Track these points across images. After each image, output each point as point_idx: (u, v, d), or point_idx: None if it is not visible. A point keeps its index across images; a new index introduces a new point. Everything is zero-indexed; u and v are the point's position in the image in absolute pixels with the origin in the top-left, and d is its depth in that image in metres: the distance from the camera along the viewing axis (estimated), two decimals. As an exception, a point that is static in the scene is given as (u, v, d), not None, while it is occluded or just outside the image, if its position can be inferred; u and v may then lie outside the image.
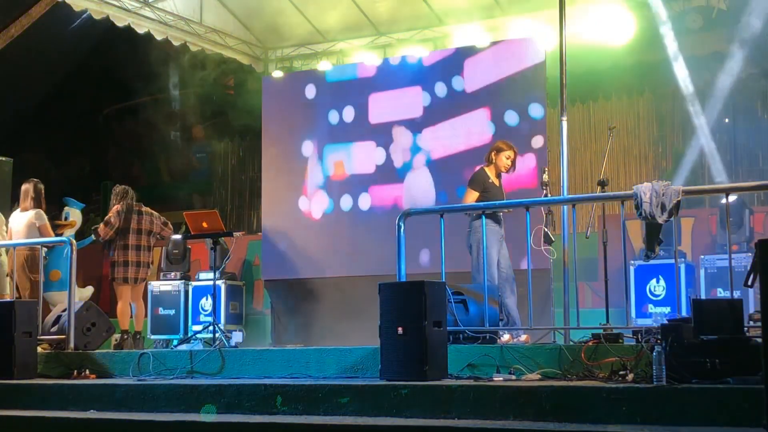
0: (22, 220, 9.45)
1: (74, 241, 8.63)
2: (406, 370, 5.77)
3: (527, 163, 9.78)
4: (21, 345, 7.18)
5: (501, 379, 5.79)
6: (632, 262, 9.46)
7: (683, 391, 4.81)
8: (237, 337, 11.05)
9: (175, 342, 10.40)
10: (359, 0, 11.98)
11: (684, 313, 7.44)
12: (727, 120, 12.09)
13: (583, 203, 8.44)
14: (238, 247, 11.28)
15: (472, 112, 10.42)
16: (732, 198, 9.22)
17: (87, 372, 7.27)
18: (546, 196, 7.66)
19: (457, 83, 10.53)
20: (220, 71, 13.64)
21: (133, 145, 16.83)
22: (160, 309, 11.51)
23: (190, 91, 13.68)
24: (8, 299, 8.90)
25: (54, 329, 8.38)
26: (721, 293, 9.07)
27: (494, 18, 11.68)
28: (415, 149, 10.74)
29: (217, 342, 7.96)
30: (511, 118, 10.13)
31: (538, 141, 9.91)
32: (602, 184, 7.45)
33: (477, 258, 7.63)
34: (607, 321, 6.56)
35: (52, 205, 10.23)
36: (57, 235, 9.77)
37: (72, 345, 7.97)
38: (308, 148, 11.30)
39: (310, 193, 11.27)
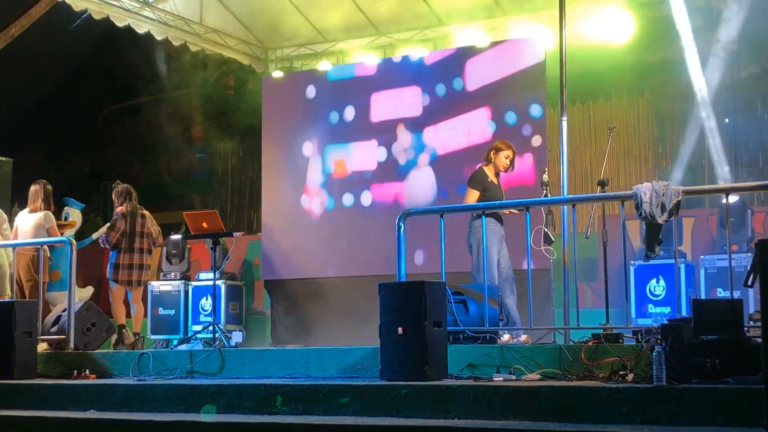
0: (30, 221, 9.47)
1: (74, 241, 8.64)
2: (406, 370, 5.77)
3: (526, 161, 9.79)
4: (21, 345, 7.18)
5: (501, 379, 5.79)
6: (632, 262, 9.46)
7: (683, 391, 4.81)
8: (237, 337, 11.05)
9: (175, 342, 10.40)
10: (359, 0, 11.97)
11: (684, 313, 7.44)
12: (727, 120, 12.09)
13: (583, 203, 8.44)
14: (238, 247, 11.28)
15: (472, 111, 10.41)
16: (734, 199, 9.23)
17: (87, 372, 7.27)
18: (546, 196, 7.67)
19: (458, 83, 10.53)
20: (221, 71, 13.64)
21: (133, 145, 16.84)
22: (160, 309, 11.51)
23: (190, 91, 13.67)
24: (8, 299, 8.91)
25: (54, 329, 8.39)
26: (721, 293, 9.06)
27: (494, 18, 11.68)
28: (416, 148, 10.74)
29: (217, 342, 7.96)
30: (511, 117, 10.13)
31: (537, 140, 9.91)
32: (602, 184, 7.46)
33: (477, 258, 7.63)
34: (607, 321, 6.56)
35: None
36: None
37: (72, 345, 7.98)
38: (308, 147, 11.30)
39: (310, 193, 11.27)
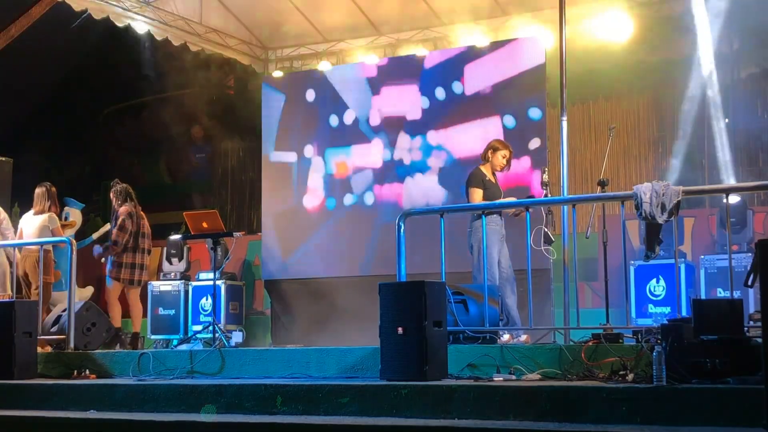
0: (35, 222, 9.50)
1: (74, 241, 8.65)
2: (406, 370, 5.77)
3: (523, 164, 9.81)
4: (21, 345, 7.18)
5: (501, 379, 5.79)
6: (632, 262, 9.46)
7: (683, 391, 4.81)
8: (237, 337, 11.05)
9: (175, 342, 10.41)
10: (359, 0, 11.97)
11: (684, 313, 7.45)
12: (727, 120, 12.08)
13: (583, 203, 8.44)
14: (238, 247, 11.28)
15: (472, 113, 10.42)
16: (736, 199, 9.24)
17: (87, 372, 7.28)
18: (546, 196, 7.67)
19: (457, 85, 10.53)
20: (220, 71, 13.63)
21: (133, 145, 16.81)
22: (160, 309, 11.51)
23: (190, 91, 13.65)
24: (8, 299, 8.92)
25: (54, 329, 8.39)
26: (721, 293, 9.06)
27: (494, 18, 11.67)
28: (416, 150, 10.74)
29: (217, 342, 7.97)
30: (511, 119, 10.14)
31: (536, 142, 9.92)
32: (602, 184, 7.46)
33: (478, 257, 7.64)
34: (607, 321, 6.56)
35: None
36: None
37: (72, 345, 7.98)
38: (308, 148, 11.30)
39: (310, 193, 11.27)
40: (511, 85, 10.20)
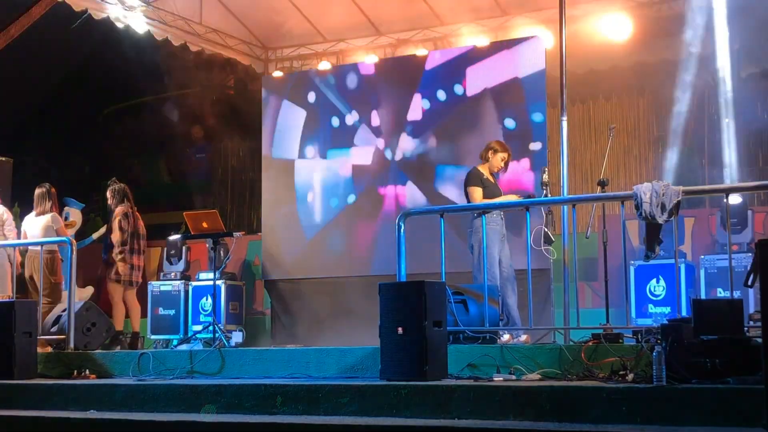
0: (39, 223, 9.51)
1: (74, 241, 8.65)
2: (406, 370, 5.77)
3: (523, 165, 9.81)
4: (21, 345, 7.18)
5: (501, 379, 5.79)
6: (632, 262, 9.46)
7: (683, 391, 4.81)
8: (237, 337, 11.05)
9: (175, 342, 10.40)
10: (359, 0, 11.97)
11: (684, 313, 7.45)
12: (727, 120, 12.07)
13: (583, 203, 8.45)
14: (238, 247, 11.28)
15: (473, 114, 10.42)
16: (738, 200, 9.24)
17: (87, 372, 7.27)
18: (546, 196, 7.67)
19: (458, 86, 10.53)
20: (221, 71, 13.63)
21: (133, 145, 16.80)
22: (160, 309, 11.51)
23: (190, 91, 13.66)
24: (8, 299, 8.92)
25: (54, 329, 8.39)
26: (721, 293, 9.06)
27: (494, 18, 11.67)
28: (417, 150, 10.75)
29: (217, 342, 7.97)
30: (511, 121, 10.13)
31: (536, 145, 9.92)
32: (602, 184, 7.46)
33: (478, 257, 7.64)
34: (607, 321, 6.57)
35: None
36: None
37: (72, 345, 7.98)
38: (309, 148, 11.30)
39: (310, 193, 11.27)
40: (512, 86, 10.20)
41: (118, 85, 16.09)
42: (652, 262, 7.75)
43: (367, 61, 11.89)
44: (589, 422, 4.84)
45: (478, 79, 10.43)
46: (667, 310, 9.27)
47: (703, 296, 9.18)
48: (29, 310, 7.45)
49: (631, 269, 9.46)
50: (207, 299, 11.20)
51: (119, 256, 9.51)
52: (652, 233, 6.47)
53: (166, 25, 11.95)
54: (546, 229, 7.53)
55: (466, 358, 6.14)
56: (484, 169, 8.20)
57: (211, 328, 8.31)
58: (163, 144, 15.91)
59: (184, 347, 8.70)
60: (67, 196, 11.41)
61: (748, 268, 4.97)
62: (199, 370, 6.94)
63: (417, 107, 10.75)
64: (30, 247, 9.39)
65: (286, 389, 5.80)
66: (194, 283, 11.53)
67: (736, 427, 4.56)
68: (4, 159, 11.12)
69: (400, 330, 5.86)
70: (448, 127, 10.56)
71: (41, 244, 8.95)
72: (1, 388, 6.83)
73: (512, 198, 8.00)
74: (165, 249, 11.92)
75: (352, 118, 11.12)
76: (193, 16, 12.17)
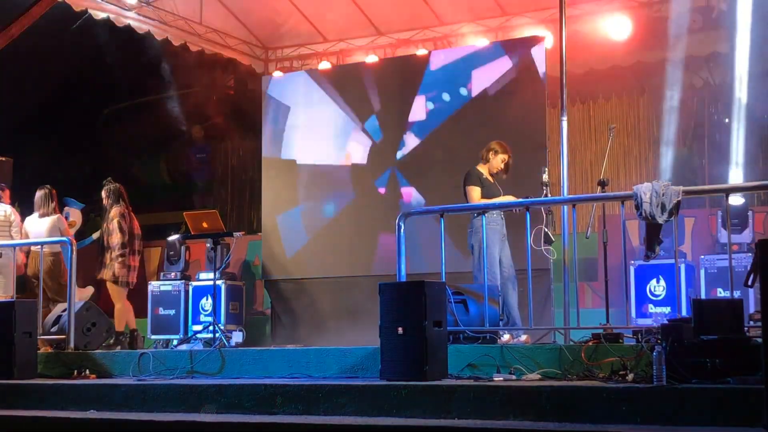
0: (43, 225, 9.52)
1: (74, 241, 8.66)
2: (406, 370, 5.77)
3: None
4: (21, 345, 7.18)
5: (501, 379, 5.80)
6: (632, 262, 9.46)
7: (683, 391, 4.81)
8: (237, 337, 11.04)
9: (175, 342, 10.40)
10: (359, 0, 11.97)
11: (684, 313, 7.45)
12: (727, 120, 12.07)
13: (583, 203, 8.44)
14: (238, 247, 11.28)
15: (475, 114, 10.42)
16: (740, 201, 9.24)
17: (87, 372, 7.28)
18: (546, 196, 7.67)
19: (463, 88, 10.54)
20: (221, 71, 13.63)
21: (133, 145, 16.79)
22: (160, 309, 11.50)
23: (190, 91, 13.66)
24: (9, 299, 8.92)
25: (54, 329, 8.39)
26: (721, 293, 9.06)
27: (494, 18, 11.68)
28: (418, 150, 10.74)
29: (217, 342, 7.97)
30: (511, 120, 10.13)
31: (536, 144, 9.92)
32: (602, 184, 7.47)
33: (479, 257, 7.64)
34: (607, 321, 6.57)
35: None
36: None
37: (72, 345, 7.98)
38: (309, 148, 11.30)
39: (310, 193, 11.27)
40: (514, 87, 10.19)
41: (118, 85, 16.08)
42: (652, 262, 7.75)
43: (368, 60, 11.89)
44: (589, 422, 4.84)
45: (481, 80, 10.43)
46: (667, 310, 9.27)
47: (703, 296, 9.18)
48: (29, 310, 7.45)
49: (631, 269, 9.45)
50: (207, 299, 11.19)
51: (120, 258, 9.50)
52: (652, 233, 6.47)
53: (166, 25, 11.95)
54: (546, 229, 7.53)
55: (466, 358, 6.14)
56: (483, 169, 8.19)
57: (211, 328, 8.31)
58: (163, 144, 15.90)
59: (184, 347, 8.70)
60: (67, 196, 11.41)
61: (748, 268, 4.97)
62: (199, 370, 6.94)
63: (420, 108, 10.75)
64: (33, 248, 9.39)
65: (286, 389, 5.80)
66: (194, 283, 11.52)
67: (736, 427, 4.56)
68: (4, 159, 11.11)
69: (400, 330, 5.87)
70: (450, 128, 10.56)
71: (41, 244, 8.94)
72: (1, 388, 6.84)
73: (512, 198, 7.99)
74: (165, 249, 11.91)
75: (352, 118, 11.13)
76: (193, 16, 12.18)
